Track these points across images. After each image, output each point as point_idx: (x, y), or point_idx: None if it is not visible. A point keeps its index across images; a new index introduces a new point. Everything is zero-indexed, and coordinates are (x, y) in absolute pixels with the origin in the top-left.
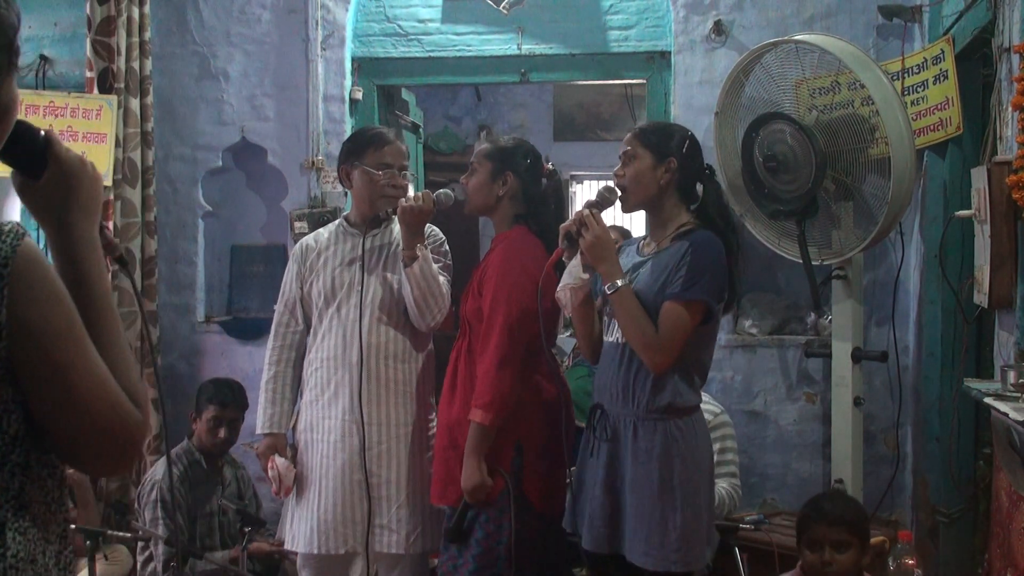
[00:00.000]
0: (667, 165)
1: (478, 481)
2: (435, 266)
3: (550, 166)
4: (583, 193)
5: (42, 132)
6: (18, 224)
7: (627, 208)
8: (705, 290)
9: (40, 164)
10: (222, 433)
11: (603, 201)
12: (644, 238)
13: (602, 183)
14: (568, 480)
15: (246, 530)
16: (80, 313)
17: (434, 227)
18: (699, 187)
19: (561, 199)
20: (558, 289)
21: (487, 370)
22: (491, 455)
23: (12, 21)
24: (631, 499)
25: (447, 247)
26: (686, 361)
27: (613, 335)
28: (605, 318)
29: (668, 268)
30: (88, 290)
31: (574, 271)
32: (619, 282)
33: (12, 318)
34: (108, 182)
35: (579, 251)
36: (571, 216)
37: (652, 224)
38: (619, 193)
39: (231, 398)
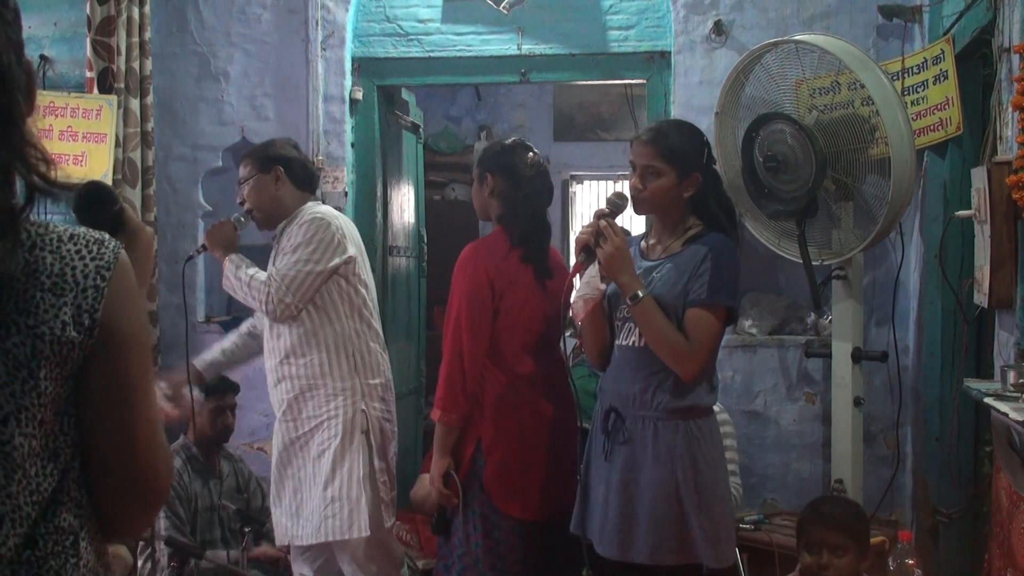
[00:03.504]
0: (691, 180)
1: (432, 476)
2: (240, 270)
3: (531, 155)
4: (583, 193)
5: (120, 199)
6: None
7: (641, 212)
8: (729, 295)
9: (112, 227)
10: (228, 419)
11: (616, 209)
12: (644, 238)
13: (602, 183)
14: (571, 480)
15: (246, 530)
16: None
17: (304, 213)
18: None
19: (542, 188)
20: (573, 299)
21: (441, 370)
22: (453, 452)
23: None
24: (650, 502)
25: (298, 232)
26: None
27: (628, 339)
28: (617, 323)
29: (686, 273)
30: None
31: (592, 282)
32: (640, 293)
33: (104, 319)
34: (108, 182)
35: (596, 262)
36: (569, 217)
37: (660, 226)
38: (629, 200)
39: (224, 386)
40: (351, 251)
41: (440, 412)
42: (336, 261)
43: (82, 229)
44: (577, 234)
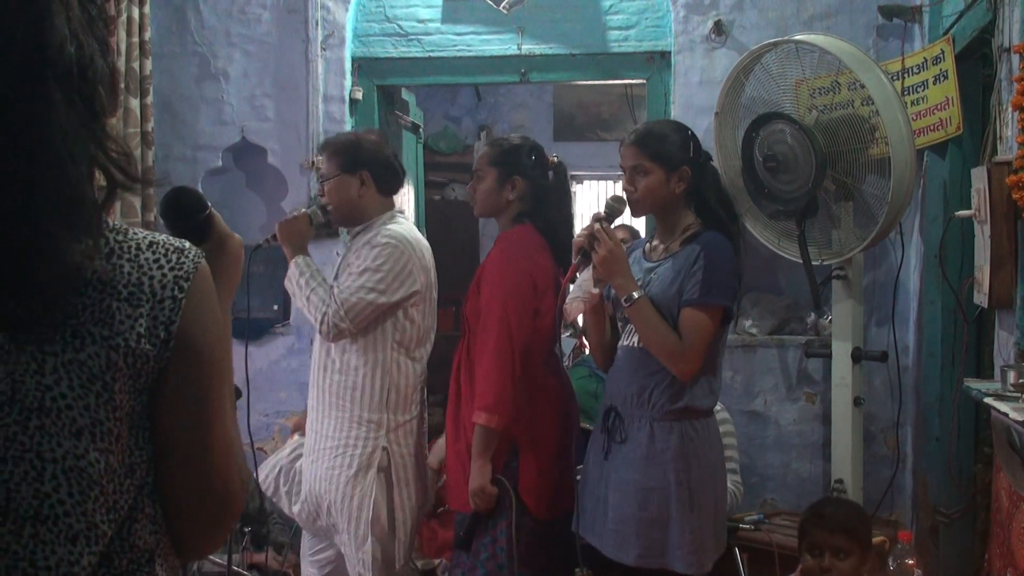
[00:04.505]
0: (680, 174)
1: (480, 484)
2: (303, 278)
3: (554, 158)
4: (583, 193)
5: (208, 206)
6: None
7: (638, 214)
8: (723, 293)
9: (200, 234)
10: None
11: (612, 212)
12: (649, 241)
13: (602, 183)
14: (577, 479)
15: (246, 531)
16: None
17: (380, 230)
18: None
19: (566, 191)
20: (567, 301)
21: (487, 371)
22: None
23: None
24: (641, 504)
25: (369, 254)
26: (704, 364)
27: (629, 340)
28: (619, 323)
29: (681, 273)
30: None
31: (584, 285)
32: (635, 294)
33: (181, 332)
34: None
35: (591, 265)
36: (576, 224)
37: (661, 227)
38: (627, 203)
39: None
40: (418, 285)
41: (493, 417)
42: (401, 295)
43: (162, 237)
44: (575, 237)
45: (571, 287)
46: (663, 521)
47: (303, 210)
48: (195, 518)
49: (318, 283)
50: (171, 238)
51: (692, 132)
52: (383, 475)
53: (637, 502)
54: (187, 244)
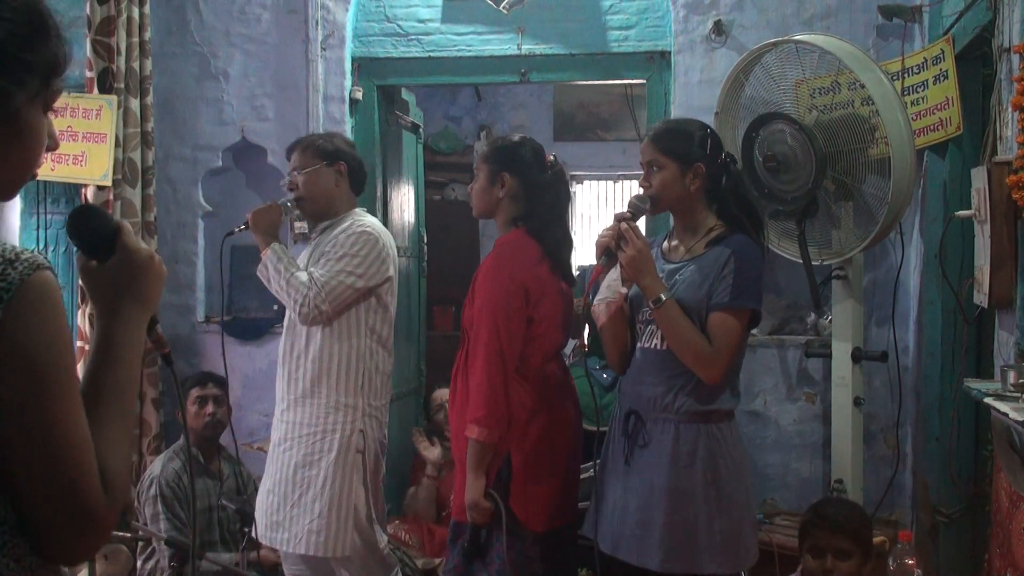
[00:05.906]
0: (695, 171)
1: (474, 498)
2: (282, 264)
3: (552, 157)
4: (583, 193)
5: (114, 221)
6: (41, 257)
7: (656, 211)
8: (753, 297)
9: (107, 250)
10: (209, 408)
11: (637, 212)
12: (664, 240)
13: (602, 183)
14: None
15: (246, 530)
16: (97, 389)
17: (354, 221)
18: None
19: (563, 191)
20: (595, 303)
21: (478, 383)
22: None
23: (61, 55)
24: (667, 506)
25: (346, 241)
26: (730, 366)
27: (651, 341)
28: (639, 325)
29: (710, 276)
30: (115, 371)
31: (613, 285)
32: (663, 296)
33: (4, 341)
34: (108, 182)
35: (616, 265)
36: (575, 218)
37: (680, 227)
38: (649, 202)
39: (209, 377)
40: (391, 272)
41: (485, 431)
42: (377, 280)
43: None
44: (597, 237)
45: (601, 288)
46: (691, 524)
47: (276, 201)
48: (49, 526)
49: (297, 268)
50: (6, 250)
51: (712, 130)
52: (361, 458)
53: (663, 506)
54: (23, 256)
